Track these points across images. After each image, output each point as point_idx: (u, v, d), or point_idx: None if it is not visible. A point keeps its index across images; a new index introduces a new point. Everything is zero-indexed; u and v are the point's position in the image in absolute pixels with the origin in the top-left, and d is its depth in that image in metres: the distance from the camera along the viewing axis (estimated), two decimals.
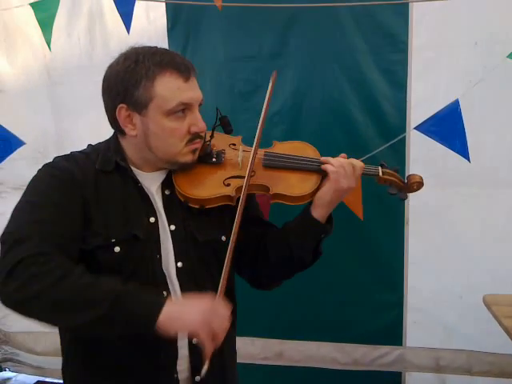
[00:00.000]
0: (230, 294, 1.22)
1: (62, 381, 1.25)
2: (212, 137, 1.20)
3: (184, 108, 1.11)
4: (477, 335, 2.35)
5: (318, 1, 2.21)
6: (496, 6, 2.14)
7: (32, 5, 2.35)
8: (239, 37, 2.39)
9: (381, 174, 1.26)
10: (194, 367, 1.17)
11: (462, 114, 2.13)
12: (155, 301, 0.99)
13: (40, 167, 1.15)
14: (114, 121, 1.14)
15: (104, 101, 1.15)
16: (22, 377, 2.96)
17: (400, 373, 2.47)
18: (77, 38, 2.52)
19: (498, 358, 2.35)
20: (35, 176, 1.12)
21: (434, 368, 2.42)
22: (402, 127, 2.28)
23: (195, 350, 1.14)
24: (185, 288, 1.15)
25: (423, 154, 2.25)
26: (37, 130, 2.62)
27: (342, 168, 1.16)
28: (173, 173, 1.17)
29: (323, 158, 1.21)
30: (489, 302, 2.06)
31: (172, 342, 1.14)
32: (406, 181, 1.28)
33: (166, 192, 1.17)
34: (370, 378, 2.47)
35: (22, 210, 1.06)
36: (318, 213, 1.18)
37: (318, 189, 1.19)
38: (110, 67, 1.13)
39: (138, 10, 2.39)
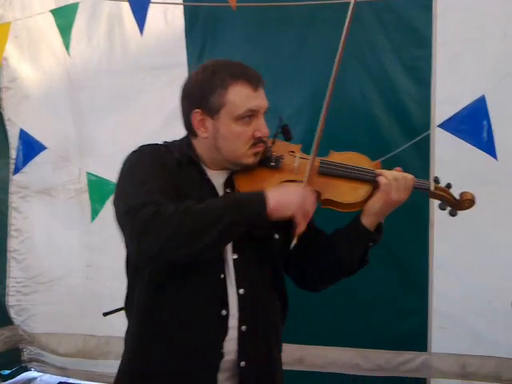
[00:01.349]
0: (281, 294, 1.35)
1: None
2: (274, 143, 1.29)
3: (251, 114, 1.23)
4: (506, 341, 2.25)
5: None
6: None
7: (52, 11, 2.39)
8: (258, 37, 2.36)
9: (433, 188, 1.28)
10: (241, 352, 1.24)
11: (489, 110, 2.04)
12: (259, 194, 1.16)
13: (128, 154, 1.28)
14: (188, 123, 1.28)
15: (181, 105, 1.29)
16: (46, 377, 3.02)
17: (425, 379, 2.40)
18: (96, 42, 2.55)
19: None
20: (128, 159, 1.26)
21: (460, 375, 2.34)
22: (426, 125, 2.21)
23: (243, 336, 1.24)
24: (239, 277, 1.25)
25: (448, 153, 2.17)
26: (58, 135, 2.66)
27: (395, 181, 1.23)
28: (234, 174, 1.29)
29: (378, 170, 1.27)
30: None
31: (223, 319, 1.23)
32: (457, 198, 1.30)
33: (228, 190, 1.29)
34: (394, 383, 2.41)
35: (131, 184, 1.20)
36: (368, 221, 1.25)
37: (368, 198, 1.24)
38: (190, 77, 1.29)
39: (156, 12, 2.40)
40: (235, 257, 1.25)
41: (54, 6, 2.40)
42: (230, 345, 1.24)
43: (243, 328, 1.24)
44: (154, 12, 2.35)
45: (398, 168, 1.28)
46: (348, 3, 2.14)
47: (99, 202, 2.59)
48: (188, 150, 1.29)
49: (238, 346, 1.24)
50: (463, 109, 2.08)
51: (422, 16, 2.17)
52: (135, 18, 2.31)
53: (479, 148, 2.05)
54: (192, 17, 2.41)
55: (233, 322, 1.24)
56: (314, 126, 2.41)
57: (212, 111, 1.23)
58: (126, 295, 1.34)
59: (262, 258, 1.28)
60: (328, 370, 2.47)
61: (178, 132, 2.48)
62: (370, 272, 2.29)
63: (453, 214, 1.29)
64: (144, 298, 1.26)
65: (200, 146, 1.29)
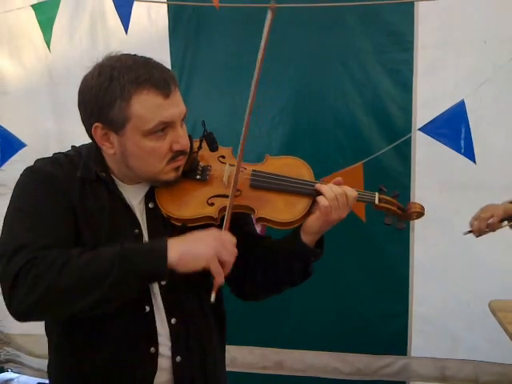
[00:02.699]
0: (218, 316, 1.22)
1: None
2: (200, 148, 1.14)
3: (165, 126, 1.04)
4: (484, 345, 2.27)
5: (322, 0, 2.18)
6: (504, 4, 2.08)
7: (33, 6, 2.36)
8: (241, 37, 2.35)
9: (377, 201, 1.15)
10: (177, 382, 1.14)
11: (468, 115, 2.06)
12: (158, 245, 0.99)
13: (22, 171, 1.11)
14: (91, 136, 1.09)
15: (80, 114, 1.09)
16: (24, 378, 2.94)
17: (404, 382, 2.41)
18: (78, 39, 2.51)
19: (506, 369, 2.26)
20: (19, 181, 1.09)
21: (439, 378, 2.34)
22: (407, 128, 2.22)
23: (178, 366, 1.13)
24: (169, 306, 1.12)
25: (429, 157, 2.18)
26: (38, 132, 2.61)
27: (335, 201, 1.09)
28: (155, 187, 1.13)
29: (317, 186, 1.12)
30: (494, 308, 1.98)
31: (152, 356, 1.11)
32: (405, 208, 1.18)
33: (150, 205, 1.13)
34: None
35: (13, 218, 1.04)
36: (308, 239, 1.13)
37: (308, 213, 1.12)
38: (85, 80, 1.07)
39: (140, 10, 2.38)
40: (163, 283, 1.11)
41: (35, 1, 2.36)
42: (163, 376, 1.13)
43: (178, 359, 1.13)
44: (137, 10, 2.34)
45: (337, 179, 1.14)
46: (332, 7, 2.19)
47: None
48: (95, 164, 1.10)
49: (174, 378, 1.13)
50: (443, 113, 2.10)
51: (404, 21, 2.19)
52: (119, 16, 2.30)
53: (458, 152, 2.07)
54: (176, 16, 2.39)
55: (166, 353, 1.12)
56: (297, 126, 2.44)
57: (115, 126, 1.02)
58: (45, 326, 1.19)
59: (193, 278, 1.06)
60: (307, 374, 2.45)
61: None
62: (350, 276, 2.33)
63: (400, 227, 1.17)
64: (61, 339, 1.14)
65: (109, 159, 1.10)
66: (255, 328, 2.39)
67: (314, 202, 1.11)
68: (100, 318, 1.05)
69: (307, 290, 2.29)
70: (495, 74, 2.04)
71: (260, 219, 1.12)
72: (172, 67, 2.42)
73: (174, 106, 1.04)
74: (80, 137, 2.54)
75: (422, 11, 2.17)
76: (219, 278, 1.01)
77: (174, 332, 1.12)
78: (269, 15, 1.01)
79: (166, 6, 2.39)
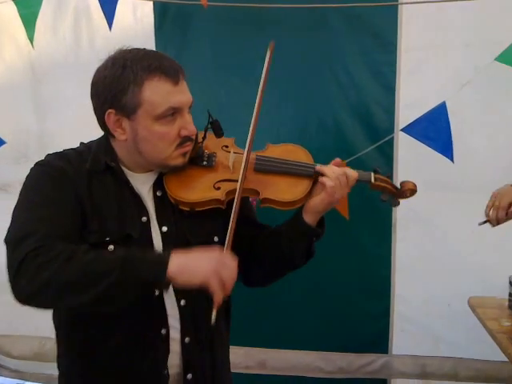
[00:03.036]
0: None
1: None
2: (204, 138, 1.20)
3: (173, 112, 1.11)
4: (464, 343, 2.30)
5: (307, 1, 2.19)
6: (486, 8, 2.12)
7: (15, 1, 2.32)
8: (227, 36, 2.36)
9: (373, 180, 1.23)
10: (186, 364, 1.18)
11: (450, 116, 2.10)
12: (161, 255, 1.03)
13: (33, 166, 1.16)
14: (103, 124, 1.14)
15: (93, 104, 1.15)
16: (0, 380, 2.88)
17: (385, 380, 2.43)
18: (62, 35, 2.48)
19: (484, 365, 2.31)
20: (29, 175, 1.14)
21: (419, 375, 2.38)
22: (390, 129, 2.25)
23: (187, 348, 1.17)
24: (178, 290, 1.14)
25: (411, 157, 2.21)
26: (18, 129, 2.56)
27: (337, 181, 1.16)
28: (164, 174, 1.18)
29: (318, 167, 1.19)
30: (474, 304, 2.02)
31: (164, 339, 1.15)
32: (399, 187, 1.26)
33: (158, 193, 1.17)
34: None
35: (21, 209, 1.09)
36: (309, 218, 1.19)
37: (309, 194, 1.18)
38: (98, 71, 1.13)
39: (125, 8, 2.36)
40: None
41: None
42: (174, 359, 1.17)
43: (186, 340, 1.17)
44: (122, 8, 2.32)
45: (336, 160, 1.21)
46: (317, 8, 2.20)
47: None
48: (105, 155, 1.15)
49: (183, 359, 1.17)
50: (425, 114, 2.13)
51: (388, 23, 2.22)
52: (104, 13, 2.28)
53: (439, 152, 2.10)
54: (161, 14, 2.38)
55: (175, 335, 1.16)
56: (281, 126, 2.45)
57: (127, 111, 1.08)
58: (53, 319, 1.22)
59: None
60: (290, 373, 2.46)
61: None
62: (332, 276, 2.34)
63: (394, 204, 1.26)
64: (72, 329, 1.17)
65: (120, 147, 1.16)
66: (238, 328, 2.38)
67: (315, 183, 1.18)
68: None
69: (290, 290, 2.31)
70: (476, 77, 2.08)
71: (265, 200, 1.18)
72: None
73: (182, 93, 1.11)
74: (62, 135, 2.54)
75: (405, 14, 2.20)
76: (217, 297, 1.01)
77: (183, 314, 1.16)
78: (268, 52, 1.14)
79: (151, 3, 2.38)
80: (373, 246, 2.36)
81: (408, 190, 1.24)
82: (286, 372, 2.46)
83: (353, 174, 1.18)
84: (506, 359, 1.69)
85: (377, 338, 2.41)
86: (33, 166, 1.15)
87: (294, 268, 1.26)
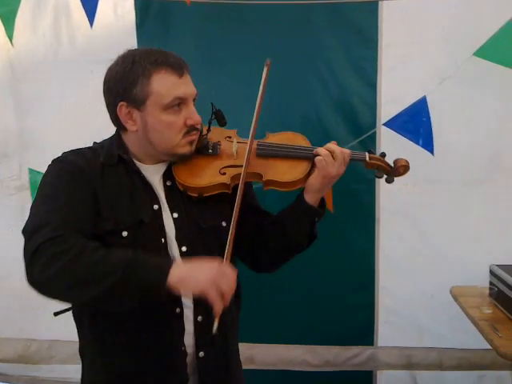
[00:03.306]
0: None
1: None
2: (209, 130, 1.28)
3: (179, 102, 1.18)
4: (448, 333, 2.35)
5: None
6: (464, 5, 2.16)
7: None
8: (210, 33, 2.36)
9: (368, 159, 1.32)
10: (198, 343, 1.24)
11: (430, 110, 2.13)
12: (164, 262, 1.08)
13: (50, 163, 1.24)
14: (115, 118, 1.22)
15: (105, 100, 1.23)
16: None
17: (371, 371, 2.46)
18: (42, 33, 2.45)
19: (467, 353, 2.36)
20: (46, 172, 1.21)
21: (405, 365, 2.42)
22: (372, 124, 2.28)
23: (199, 327, 1.23)
24: None
25: (393, 151, 2.20)
26: None
27: (329, 156, 1.23)
28: (173, 164, 1.25)
29: (315, 150, 1.27)
30: (456, 293, 2.07)
31: (178, 318, 1.22)
32: (392, 165, 1.34)
33: (168, 183, 1.25)
34: (341, 377, 2.45)
35: (38, 203, 1.16)
36: (310, 198, 1.26)
37: (308, 174, 1.25)
38: (110, 69, 1.22)
39: (106, 5, 2.35)
40: (184, 249, 1.22)
41: None
42: (187, 339, 1.23)
43: (199, 319, 1.23)
44: (103, 5, 2.30)
45: (333, 142, 1.30)
46: (302, 5, 2.22)
47: None
48: (117, 149, 1.24)
49: (195, 338, 1.23)
50: (406, 108, 2.17)
51: (369, 19, 2.25)
52: (85, 10, 2.26)
53: (420, 146, 2.14)
54: (143, 11, 2.37)
55: (188, 315, 1.23)
56: (263, 122, 2.45)
57: (137, 103, 1.18)
58: (73, 312, 1.29)
59: (211, 247, 1.25)
60: (278, 367, 2.48)
61: None
62: (318, 270, 2.36)
63: (389, 180, 1.34)
64: (93, 317, 1.23)
65: (131, 140, 1.24)
66: None
67: (314, 165, 1.25)
68: None
69: (275, 285, 2.33)
70: (456, 71, 2.12)
71: (267, 182, 1.26)
72: None
73: (187, 85, 1.20)
74: (42, 133, 2.51)
75: (385, 11, 2.24)
76: (216, 307, 1.06)
77: None
78: (265, 69, 1.23)
79: (132, 0, 2.37)
80: (357, 239, 2.39)
81: (401, 167, 1.33)
82: (274, 366, 2.48)
83: (345, 150, 1.27)
84: (488, 347, 1.74)
85: (362, 331, 2.44)
86: (50, 162, 1.23)
87: (299, 251, 1.33)
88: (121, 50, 2.63)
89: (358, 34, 2.27)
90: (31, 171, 2.49)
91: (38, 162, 2.51)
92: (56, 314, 1.70)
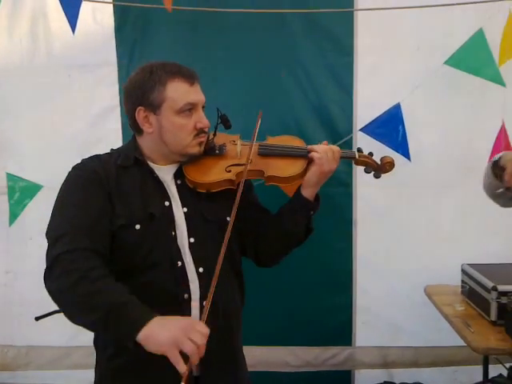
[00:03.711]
0: (237, 273, 1.44)
1: None
2: (215, 135, 1.42)
3: (190, 108, 1.32)
4: (423, 332, 2.41)
5: (266, 6, 2.25)
6: (435, 15, 2.24)
7: None
8: (188, 39, 2.38)
9: (357, 156, 1.48)
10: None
11: (404, 116, 2.21)
12: (141, 318, 1.11)
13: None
14: (133, 122, 1.36)
15: (125, 106, 1.38)
16: None
17: (350, 371, 2.50)
18: (18, 38, 2.44)
19: (441, 351, 2.43)
20: (65, 178, 1.34)
21: (381, 364, 2.47)
22: (349, 129, 2.34)
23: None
24: (196, 259, 1.33)
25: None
26: None
27: (325, 154, 1.38)
28: (183, 165, 1.38)
29: (309, 147, 1.42)
30: (430, 292, 2.14)
31: (187, 305, 1.30)
32: (379, 162, 1.49)
33: (178, 181, 1.38)
34: (320, 378, 2.49)
35: (57, 208, 1.29)
36: (307, 192, 1.40)
37: (305, 171, 1.40)
38: (129, 79, 1.37)
39: (85, 10, 2.33)
40: (192, 240, 1.33)
41: None
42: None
43: (204, 304, 1.27)
44: (82, 10, 2.30)
45: (324, 142, 1.45)
46: (279, 13, 2.26)
47: (18, 204, 2.46)
48: (133, 151, 1.37)
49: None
50: (381, 114, 2.24)
51: (344, 27, 2.32)
52: (66, 16, 2.24)
53: (395, 150, 2.20)
54: (122, 16, 2.38)
55: (194, 301, 1.30)
56: (243, 126, 2.48)
57: (154, 107, 1.32)
58: None
59: (217, 239, 1.32)
60: (258, 369, 2.48)
61: (105, 132, 2.43)
62: (296, 271, 2.40)
63: (377, 176, 1.49)
64: None
65: (146, 142, 1.37)
66: None
67: (310, 163, 1.40)
68: (139, 271, 1.27)
69: (254, 286, 2.34)
70: (428, 79, 2.20)
71: (269, 178, 1.40)
72: (118, 68, 2.42)
73: (197, 93, 1.35)
74: (18, 137, 2.48)
75: (360, 19, 2.31)
76: (178, 367, 1.06)
77: (201, 279, 1.31)
78: (259, 120, 1.40)
79: (111, 6, 2.37)
80: (334, 241, 2.44)
81: (387, 164, 1.48)
82: (255, 368, 2.48)
83: (337, 149, 1.43)
84: (461, 344, 1.81)
85: (340, 331, 2.48)
86: (70, 169, 1.35)
87: (298, 244, 1.46)
88: (99, 55, 2.63)
89: (335, 42, 2.34)
90: (9, 176, 2.47)
91: (16, 167, 2.51)
92: (37, 318, 1.70)
